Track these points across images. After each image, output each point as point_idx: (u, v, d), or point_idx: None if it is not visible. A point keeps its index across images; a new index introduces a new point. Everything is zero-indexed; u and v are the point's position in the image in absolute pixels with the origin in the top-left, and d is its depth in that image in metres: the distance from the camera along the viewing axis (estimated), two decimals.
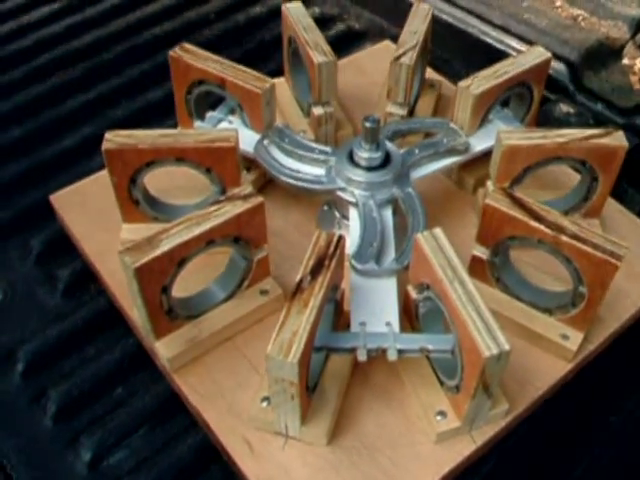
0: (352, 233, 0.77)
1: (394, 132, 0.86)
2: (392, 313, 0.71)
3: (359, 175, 0.79)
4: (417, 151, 0.84)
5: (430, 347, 0.67)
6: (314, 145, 0.84)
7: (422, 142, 0.86)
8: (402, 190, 0.80)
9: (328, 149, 0.83)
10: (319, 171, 0.82)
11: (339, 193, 0.80)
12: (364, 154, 0.78)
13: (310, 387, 0.67)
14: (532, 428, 0.73)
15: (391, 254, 0.76)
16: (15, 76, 1.11)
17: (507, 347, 0.60)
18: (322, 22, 1.18)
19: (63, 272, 0.86)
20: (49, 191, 0.89)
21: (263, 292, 0.76)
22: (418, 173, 0.83)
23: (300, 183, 0.81)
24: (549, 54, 0.87)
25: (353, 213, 0.80)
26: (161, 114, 1.02)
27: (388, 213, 0.79)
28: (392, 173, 0.79)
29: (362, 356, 0.66)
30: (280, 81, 0.99)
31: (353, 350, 0.67)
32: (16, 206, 0.93)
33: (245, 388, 0.71)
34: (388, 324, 0.69)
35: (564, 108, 1.07)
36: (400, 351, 0.67)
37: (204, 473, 0.71)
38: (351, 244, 0.76)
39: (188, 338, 0.72)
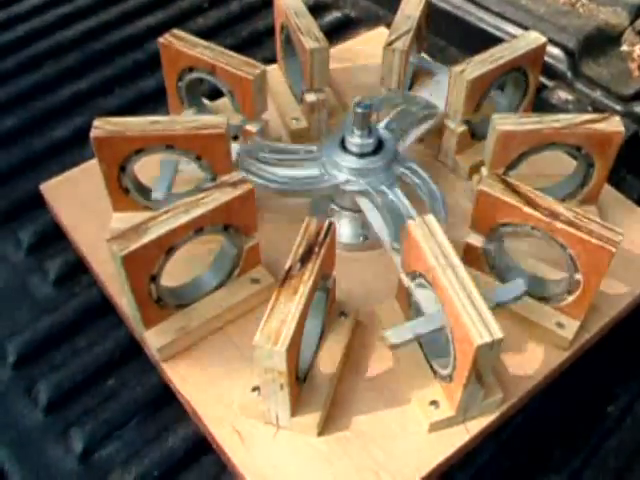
0: (375, 223, 0.76)
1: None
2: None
3: (357, 163, 0.78)
4: (394, 125, 0.83)
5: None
6: (297, 147, 0.83)
7: (394, 115, 0.85)
8: (405, 166, 0.79)
9: (313, 147, 0.82)
10: (312, 171, 0.80)
11: (346, 187, 0.78)
12: (355, 140, 0.77)
13: (301, 377, 0.67)
14: (528, 418, 0.72)
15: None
16: (6, 66, 1.10)
17: (500, 335, 0.59)
18: (317, 9, 1.18)
19: (54, 262, 0.85)
20: (41, 181, 0.89)
21: (254, 281, 0.75)
22: (401, 146, 0.82)
23: (300, 188, 0.80)
24: (544, 39, 0.86)
25: (364, 203, 0.78)
26: (154, 103, 1.02)
27: (399, 192, 0.78)
28: (388, 156, 0.78)
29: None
30: (273, 68, 0.98)
31: None
32: (7, 196, 0.92)
33: (236, 378, 0.70)
34: None
35: (562, 95, 1.06)
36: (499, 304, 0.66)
37: (196, 464, 0.70)
38: (382, 234, 0.75)
39: (178, 327, 0.71)
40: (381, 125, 0.82)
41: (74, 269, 0.84)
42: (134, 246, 0.64)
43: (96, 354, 0.77)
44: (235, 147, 0.80)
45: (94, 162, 0.77)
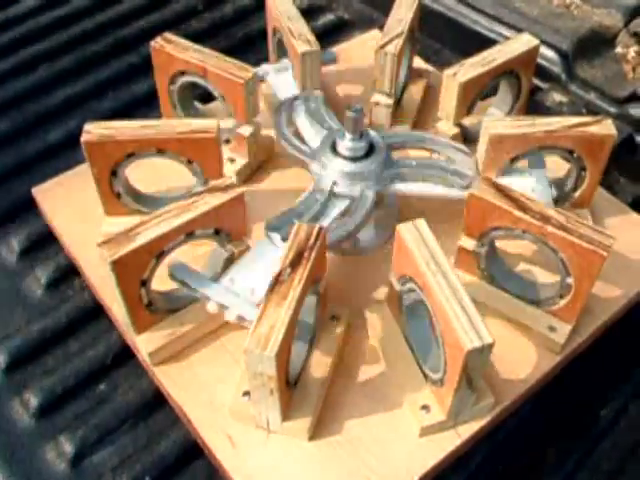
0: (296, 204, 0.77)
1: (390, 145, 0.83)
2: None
3: (335, 162, 0.78)
4: (414, 164, 0.81)
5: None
6: (328, 120, 0.83)
7: (425, 159, 0.83)
8: (363, 191, 0.78)
9: (335, 125, 0.82)
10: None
11: (312, 167, 0.79)
12: (346, 143, 0.77)
13: (292, 381, 0.67)
14: (520, 422, 0.72)
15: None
16: (0, 68, 1.09)
17: (489, 340, 0.59)
18: (310, 12, 1.18)
19: (46, 266, 0.84)
20: (34, 184, 0.88)
21: None
22: (404, 188, 0.80)
23: (289, 146, 0.81)
24: (537, 41, 0.85)
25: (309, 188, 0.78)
26: (148, 106, 1.01)
27: (341, 205, 0.77)
28: (372, 166, 0.78)
29: (211, 307, 0.67)
30: None
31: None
32: (0, 199, 0.92)
33: (227, 382, 0.70)
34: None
35: (556, 97, 1.06)
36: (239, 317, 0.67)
37: (187, 469, 0.70)
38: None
39: (169, 332, 0.71)
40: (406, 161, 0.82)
41: (66, 273, 0.84)
42: (124, 251, 0.64)
43: (88, 358, 0.77)
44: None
45: (87, 166, 0.76)
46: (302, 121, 0.84)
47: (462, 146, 0.81)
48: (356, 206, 0.76)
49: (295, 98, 0.86)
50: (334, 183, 0.77)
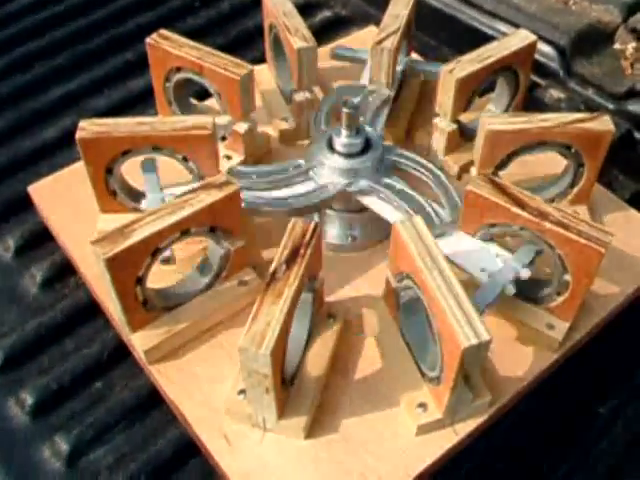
0: (391, 216, 0.76)
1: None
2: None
3: (333, 160, 0.78)
4: (397, 187, 0.79)
5: None
6: (284, 165, 0.81)
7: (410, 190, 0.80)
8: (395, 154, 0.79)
9: (300, 161, 0.81)
10: (307, 186, 0.79)
11: (349, 189, 0.78)
12: (342, 140, 0.77)
13: (287, 379, 0.66)
14: (517, 420, 0.72)
15: None
16: None
17: (486, 337, 0.59)
18: (308, 8, 1.17)
19: (42, 265, 0.84)
20: (29, 183, 0.88)
21: (242, 283, 0.74)
22: (371, 203, 0.79)
23: (299, 204, 0.78)
24: (534, 37, 0.85)
25: (372, 201, 0.78)
26: (144, 103, 1.01)
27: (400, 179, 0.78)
28: (369, 163, 0.78)
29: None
30: (263, 68, 0.98)
31: None
32: None
33: (223, 380, 0.70)
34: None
35: (554, 94, 1.06)
36: None
37: (183, 468, 0.70)
38: None
39: (165, 330, 0.71)
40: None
41: (62, 271, 0.84)
42: (119, 248, 0.63)
43: (83, 357, 0.76)
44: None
45: (82, 163, 0.76)
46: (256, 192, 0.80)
47: (456, 196, 0.78)
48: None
49: None
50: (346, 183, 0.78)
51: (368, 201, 0.78)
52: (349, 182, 0.77)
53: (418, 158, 0.81)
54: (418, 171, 0.80)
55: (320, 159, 0.78)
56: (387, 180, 0.78)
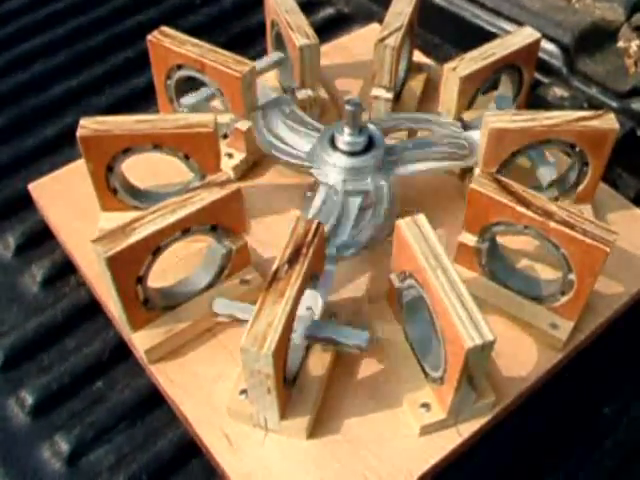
0: (310, 211, 0.76)
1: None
2: (318, 299, 0.68)
3: (335, 158, 0.77)
4: (411, 146, 0.81)
5: (338, 339, 0.66)
6: (309, 120, 0.83)
7: (419, 138, 0.83)
8: (375, 182, 0.78)
9: (320, 126, 0.82)
10: (307, 146, 0.81)
11: (313, 171, 0.78)
12: (345, 138, 0.76)
13: (289, 379, 0.66)
14: (522, 420, 0.71)
15: (337, 242, 0.74)
16: None
17: (491, 337, 0.58)
18: (310, 6, 1.16)
19: (43, 263, 0.84)
20: (30, 181, 0.88)
21: (244, 282, 0.74)
22: (407, 170, 0.80)
23: (280, 154, 0.80)
24: (538, 34, 0.84)
25: (320, 192, 0.78)
26: (146, 101, 1.00)
27: (355, 201, 0.77)
28: (372, 161, 0.77)
29: (296, 340, 0.66)
30: None
31: None
32: None
33: (225, 380, 0.69)
34: (309, 309, 0.67)
35: (558, 92, 1.05)
36: (308, 337, 0.66)
37: (184, 468, 0.69)
38: None
39: (166, 329, 0.70)
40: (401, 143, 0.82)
41: (63, 270, 0.83)
42: (119, 247, 0.63)
43: (84, 356, 0.76)
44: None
45: (83, 161, 0.75)
46: (282, 127, 0.83)
47: (451, 120, 0.81)
48: (373, 200, 0.76)
49: (265, 106, 0.85)
50: (344, 181, 0.77)
51: (319, 190, 0.78)
52: (344, 180, 0.77)
53: (410, 114, 0.82)
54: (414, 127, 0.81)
55: (322, 157, 0.77)
56: (382, 182, 0.77)
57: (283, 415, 0.65)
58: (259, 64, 0.87)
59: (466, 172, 0.84)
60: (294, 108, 0.85)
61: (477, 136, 0.79)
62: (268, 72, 0.93)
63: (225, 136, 0.85)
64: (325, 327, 0.67)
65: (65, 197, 0.85)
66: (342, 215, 0.76)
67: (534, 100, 0.99)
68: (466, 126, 0.85)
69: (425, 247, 0.64)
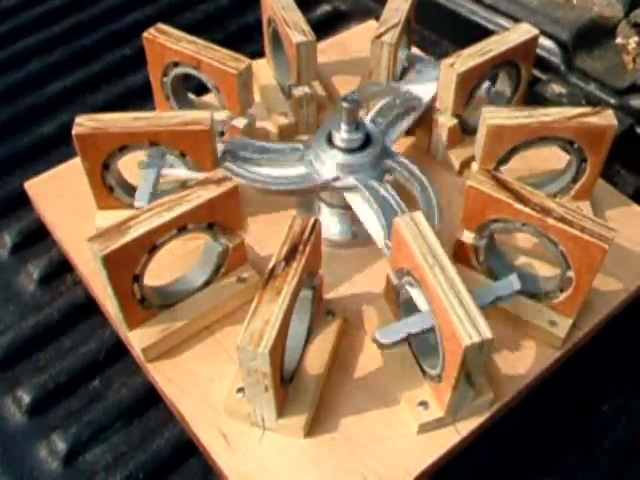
0: (367, 219, 0.75)
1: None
2: None
3: (345, 159, 0.77)
4: (380, 119, 0.83)
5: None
6: (282, 146, 0.81)
7: (379, 109, 0.84)
8: (393, 160, 0.78)
9: (299, 145, 0.80)
10: (299, 170, 0.79)
11: (335, 184, 0.77)
12: (342, 135, 0.76)
13: (287, 378, 0.65)
14: (520, 417, 0.71)
15: None
16: None
17: (489, 335, 0.58)
18: (307, 2, 1.16)
19: (39, 262, 0.83)
20: (27, 179, 0.87)
21: (241, 279, 0.74)
22: (388, 140, 0.81)
23: (286, 187, 0.78)
24: (536, 31, 0.84)
25: (354, 199, 0.77)
26: (142, 99, 1.00)
27: (389, 187, 0.77)
28: (376, 151, 0.77)
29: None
30: (262, 63, 0.97)
31: None
32: None
33: (222, 378, 0.69)
34: None
35: (556, 89, 1.05)
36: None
37: (181, 467, 0.69)
38: (374, 231, 0.74)
39: (163, 328, 0.70)
40: (367, 119, 0.81)
41: (59, 268, 0.83)
42: (115, 245, 0.63)
43: (81, 355, 0.76)
44: (219, 147, 0.78)
45: (79, 160, 0.75)
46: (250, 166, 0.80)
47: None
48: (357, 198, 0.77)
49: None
50: (333, 177, 0.77)
51: (351, 198, 0.77)
52: (337, 176, 0.77)
53: (416, 171, 0.79)
54: (410, 183, 0.79)
55: (319, 153, 0.77)
56: (373, 183, 0.76)
57: (280, 414, 0.64)
58: None
59: (464, 167, 0.84)
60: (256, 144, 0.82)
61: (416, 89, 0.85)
62: None
63: (222, 134, 0.85)
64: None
65: (61, 195, 0.84)
66: (400, 205, 0.76)
67: (532, 97, 0.98)
68: (465, 123, 0.85)
69: (423, 245, 0.64)
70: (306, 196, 0.82)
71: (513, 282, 0.65)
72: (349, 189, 0.77)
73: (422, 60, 0.94)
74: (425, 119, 0.86)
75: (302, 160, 0.79)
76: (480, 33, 0.95)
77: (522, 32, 0.84)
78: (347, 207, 0.79)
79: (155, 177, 0.73)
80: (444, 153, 0.87)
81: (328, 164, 0.77)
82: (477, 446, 0.69)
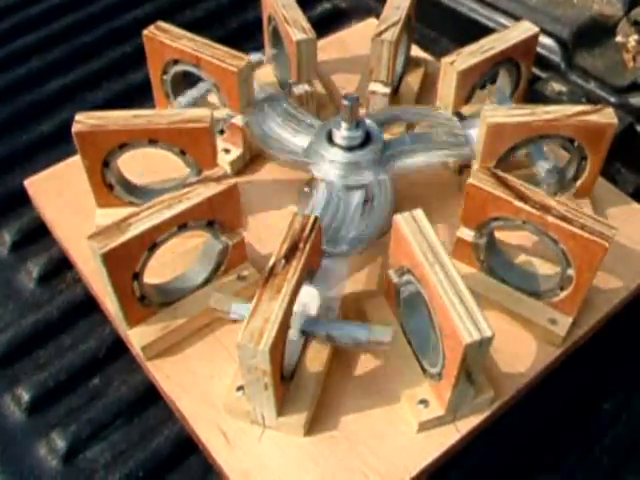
0: (314, 210, 0.76)
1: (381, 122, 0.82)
2: (335, 298, 0.69)
3: (333, 153, 0.77)
4: (408, 139, 0.81)
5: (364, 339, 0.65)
6: (303, 117, 0.82)
7: (417, 132, 0.83)
8: (375, 175, 0.77)
9: (315, 122, 0.81)
10: (303, 142, 0.80)
11: (310, 167, 0.78)
12: (342, 133, 0.76)
13: (287, 376, 0.65)
14: (521, 416, 0.71)
15: (348, 238, 0.74)
16: None
17: (489, 333, 0.58)
18: (307, 1, 1.15)
19: (39, 260, 0.83)
20: (27, 177, 0.87)
21: (241, 277, 0.74)
22: (405, 164, 0.79)
23: (275, 151, 0.79)
24: (537, 29, 0.84)
25: (320, 189, 0.77)
26: (142, 97, 0.99)
27: (356, 195, 0.77)
28: (370, 156, 0.77)
29: (293, 336, 0.65)
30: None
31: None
32: None
33: (222, 377, 0.69)
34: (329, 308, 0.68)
35: (556, 87, 1.05)
36: (329, 337, 0.65)
37: (181, 465, 0.69)
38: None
39: (162, 326, 0.70)
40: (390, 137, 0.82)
41: (59, 266, 0.83)
42: (115, 243, 0.63)
43: (80, 353, 0.76)
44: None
45: (79, 157, 0.75)
46: (276, 124, 0.83)
47: (444, 113, 0.80)
48: (374, 194, 0.77)
49: (259, 102, 0.84)
50: (323, 170, 0.77)
51: (319, 188, 0.78)
52: (342, 175, 0.77)
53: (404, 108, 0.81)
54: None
55: (320, 152, 0.77)
56: (382, 177, 0.77)
57: (280, 412, 0.64)
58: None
59: (464, 167, 0.84)
60: (288, 105, 0.84)
61: (474, 132, 0.79)
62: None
63: (222, 131, 0.85)
64: (343, 327, 0.67)
65: (61, 193, 0.84)
66: (346, 211, 0.75)
67: (532, 95, 0.98)
68: (462, 117, 0.85)
69: (423, 242, 0.64)
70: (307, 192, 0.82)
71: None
72: (319, 179, 0.78)
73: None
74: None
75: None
76: (480, 31, 0.95)
77: (522, 30, 0.84)
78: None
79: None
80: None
81: (332, 165, 0.77)
82: (477, 444, 0.68)
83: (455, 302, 0.59)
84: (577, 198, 0.81)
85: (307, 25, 0.84)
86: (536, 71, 1.05)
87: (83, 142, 0.73)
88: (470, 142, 0.80)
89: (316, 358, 0.68)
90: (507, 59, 0.84)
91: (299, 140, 0.80)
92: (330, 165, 0.77)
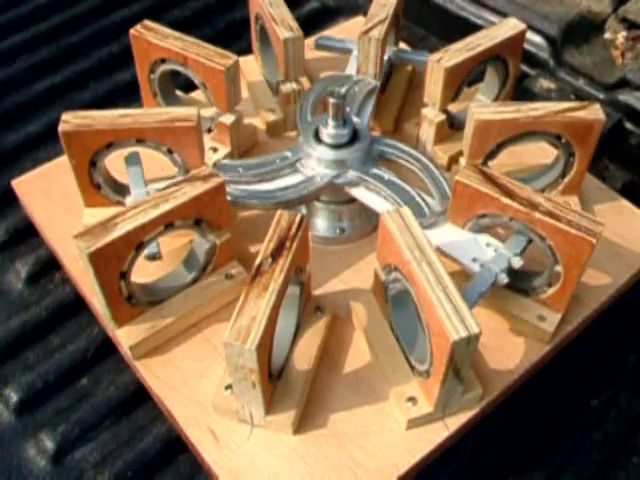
0: (381, 207, 0.75)
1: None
2: None
3: (320, 151, 0.77)
4: (386, 177, 0.78)
5: None
6: (271, 157, 0.80)
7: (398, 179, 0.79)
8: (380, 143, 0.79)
9: (287, 153, 0.79)
10: (295, 179, 0.78)
11: (337, 181, 0.77)
12: (329, 131, 0.76)
13: (275, 374, 0.65)
14: (509, 413, 0.71)
15: None
16: None
17: (476, 330, 0.58)
18: None
19: (27, 260, 0.83)
20: (14, 177, 0.87)
21: (228, 276, 0.73)
22: (359, 194, 0.78)
23: (286, 197, 0.76)
24: (524, 25, 0.84)
25: (360, 192, 0.77)
26: (130, 96, 0.99)
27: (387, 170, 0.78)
28: (357, 153, 0.77)
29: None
30: (249, 59, 0.96)
31: None
32: None
33: (210, 375, 0.69)
34: None
35: (544, 84, 1.05)
36: None
37: (171, 464, 0.69)
38: None
39: (150, 325, 0.70)
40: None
41: (47, 267, 0.83)
42: (102, 242, 0.62)
43: (69, 353, 0.76)
44: None
45: (66, 157, 0.75)
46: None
47: (445, 186, 0.77)
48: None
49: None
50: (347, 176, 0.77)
51: (357, 192, 0.77)
52: (337, 173, 0.76)
53: (406, 148, 0.80)
54: (407, 161, 0.79)
55: (307, 150, 0.77)
56: (375, 170, 0.77)
57: (269, 410, 0.64)
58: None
59: (452, 163, 0.84)
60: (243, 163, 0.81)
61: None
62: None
63: (209, 130, 0.84)
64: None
65: (49, 193, 0.84)
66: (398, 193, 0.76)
67: (521, 92, 0.99)
68: (452, 119, 0.85)
69: (410, 239, 0.64)
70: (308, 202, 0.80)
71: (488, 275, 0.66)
72: (353, 183, 0.77)
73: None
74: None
75: (293, 167, 0.78)
76: (468, 28, 0.95)
77: (509, 27, 0.84)
78: (334, 202, 0.79)
79: (142, 175, 0.73)
80: (432, 148, 0.87)
81: (320, 163, 0.77)
82: (466, 441, 0.69)
83: (442, 299, 0.59)
84: (565, 195, 0.81)
85: (294, 24, 0.84)
86: (525, 68, 1.05)
87: (70, 142, 0.73)
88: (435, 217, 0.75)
89: (304, 356, 0.68)
90: (494, 56, 0.84)
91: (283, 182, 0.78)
92: (317, 163, 0.76)
